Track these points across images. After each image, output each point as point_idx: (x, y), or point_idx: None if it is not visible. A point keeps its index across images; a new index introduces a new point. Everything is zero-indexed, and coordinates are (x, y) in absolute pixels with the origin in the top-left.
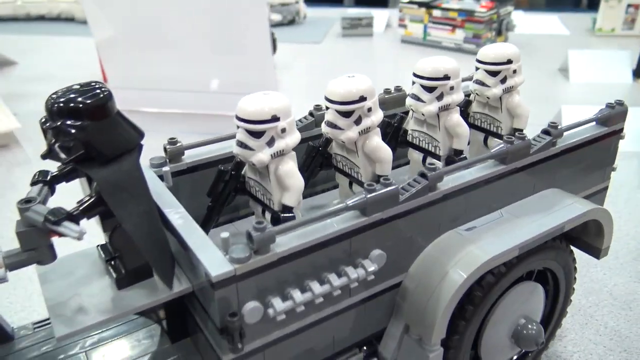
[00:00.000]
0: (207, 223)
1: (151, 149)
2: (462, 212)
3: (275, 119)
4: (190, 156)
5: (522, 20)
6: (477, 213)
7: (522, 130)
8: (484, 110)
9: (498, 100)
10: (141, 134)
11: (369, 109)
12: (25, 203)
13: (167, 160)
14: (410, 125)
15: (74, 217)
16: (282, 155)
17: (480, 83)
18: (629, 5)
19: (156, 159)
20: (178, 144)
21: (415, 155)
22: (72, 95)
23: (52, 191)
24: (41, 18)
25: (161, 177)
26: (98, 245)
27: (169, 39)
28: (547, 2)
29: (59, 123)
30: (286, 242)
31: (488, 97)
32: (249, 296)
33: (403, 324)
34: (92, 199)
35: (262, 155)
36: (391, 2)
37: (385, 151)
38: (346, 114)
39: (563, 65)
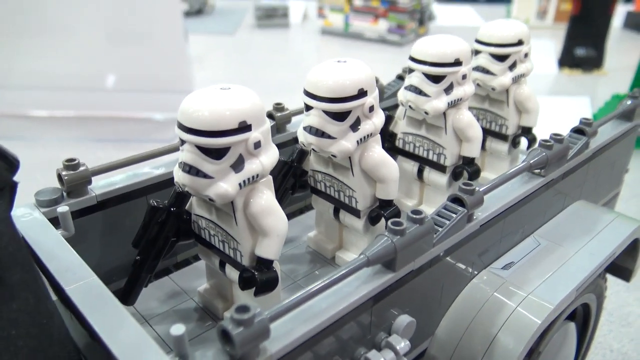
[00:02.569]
0: (134, 286)
1: (37, 176)
2: (496, 242)
3: (244, 127)
4: (102, 185)
5: (439, 12)
6: (509, 242)
7: (531, 128)
8: (483, 105)
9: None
10: (13, 165)
11: (371, 108)
12: None
13: (65, 194)
14: (400, 127)
15: None
16: (254, 183)
17: (483, 70)
18: None
19: (45, 194)
20: (81, 168)
21: (406, 166)
22: None
23: None
24: None
25: (54, 222)
26: None
27: (60, 25)
28: None
29: None
30: (282, 331)
31: (493, 88)
32: None
33: None
34: None
35: (224, 185)
36: None
37: (391, 167)
38: (340, 116)
39: None
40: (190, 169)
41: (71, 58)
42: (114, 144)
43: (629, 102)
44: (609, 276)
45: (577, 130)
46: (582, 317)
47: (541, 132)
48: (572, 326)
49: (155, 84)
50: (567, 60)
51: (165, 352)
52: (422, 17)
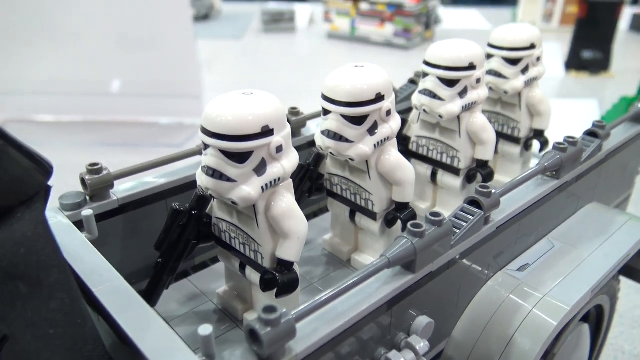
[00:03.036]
0: (155, 288)
1: (56, 178)
2: (512, 244)
3: (267, 132)
4: (123, 189)
5: (445, 15)
6: (524, 244)
7: (543, 131)
8: (495, 108)
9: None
10: (47, 171)
11: (388, 112)
12: None
13: (88, 198)
14: (414, 130)
15: None
16: (276, 187)
17: (496, 74)
18: (547, 0)
19: (69, 197)
20: (103, 173)
21: (419, 169)
22: None
23: None
24: None
25: (78, 225)
26: None
27: (69, 31)
28: None
29: None
30: (306, 332)
31: (505, 92)
32: None
33: None
34: None
35: (247, 188)
36: None
37: (408, 170)
38: (357, 120)
39: None
40: (214, 173)
41: (82, 64)
42: (124, 148)
43: (639, 106)
44: (623, 282)
45: (590, 133)
46: (596, 318)
47: (550, 135)
48: (585, 328)
49: (166, 89)
50: (574, 62)
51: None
52: (429, 21)
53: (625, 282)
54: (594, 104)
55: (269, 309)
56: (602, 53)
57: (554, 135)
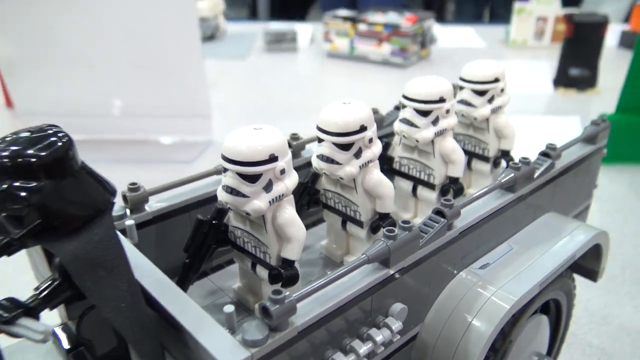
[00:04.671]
0: (183, 283)
1: None
2: (474, 247)
3: (273, 158)
4: (155, 203)
5: (440, 33)
6: (486, 247)
7: (509, 151)
8: (468, 132)
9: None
10: (113, 191)
11: (370, 140)
12: None
13: (129, 211)
14: (397, 152)
15: (33, 311)
16: (280, 201)
17: (466, 103)
18: (538, 18)
19: (115, 211)
20: (141, 190)
21: (402, 184)
22: (21, 147)
23: None
24: None
25: (123, 232)
26: (52, 330)
27: (86, 57)
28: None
29: (5, 186)
30: (304, 311)
31: (475, 118)
32: None
33: None
34: (56, 283)
35: (258, 202)
36: (310, 17)
37: (387, 187)
38: (345, 147)
39: None
40: (231, 191)
41: (95, 86)
42: (139, 165)
43: (593, 128)
44: (598, 285)
45: (544, 154)
46: (555, 312)
47: (534, 151)
48: (544, 319)
49: (176, 109)
50: (562, 80)
51: None
52: (424, 40)
53: (597, 285)
54: (576, 121)
55: (277, 292)
56: (589, 70)
57: (537, 151)
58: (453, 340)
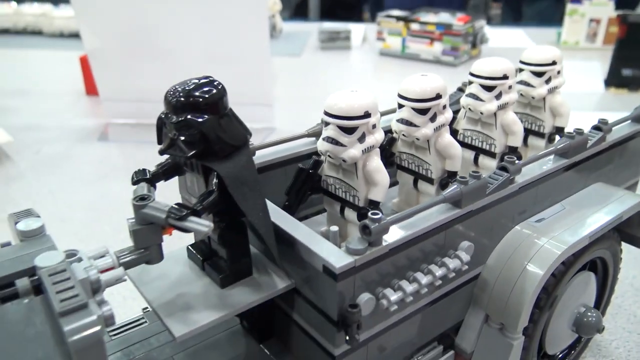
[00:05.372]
0: None
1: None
2: (531, 204)
3: (367, 115)
4: (258, 157)
5: (492, 35)
6: (542, 206)
7: (563, 128)
8: (525, 110)
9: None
10: (249, 131)
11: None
12: (140, 200)
13: None
14: (461, 125)
15: (197, 213)
16: (370, 151)
17: (525, 83)
18: (591, 20)
19: None
20: (251, 145)
21: (465, 154)
22: (194, 91)
23: (154, 189)
24: (5, 31)
25: None
26: (188, 246)
27: (165, 48)
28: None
29: (184, 117)
30: (394, 232)
31: (533, 97)
32: (362, 288)
33: (483, 314)
34: (214, 195)
35: (354, 151)
36: (367, 18)
37: (457, 148)
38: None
39: None
40: (332, 140)
41: (176, 76)
42: None
43: None
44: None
45: (595, 127)
46: (602, 272)
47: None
48: (592, 276)
49: (243, 98)
50: (614, 80)
51: None
52: (475, 40)
53: None
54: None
55: (375, 213)
56: None
57: None
58: (510, 280)
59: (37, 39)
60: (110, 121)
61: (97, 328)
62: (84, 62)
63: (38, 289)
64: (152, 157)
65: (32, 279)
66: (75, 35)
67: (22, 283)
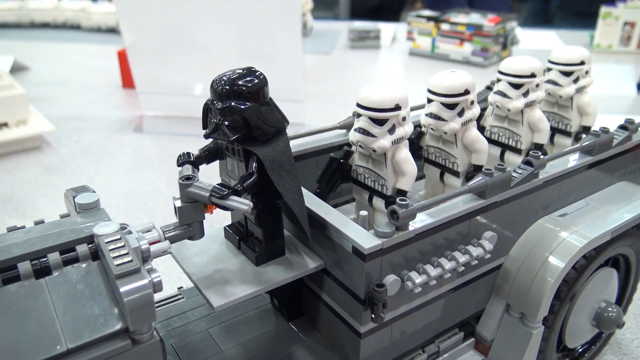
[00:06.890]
0: None
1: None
2: (555, 199)
3: (397, 107)
4: (291, 147)
5: (523, 36)
6: (566, 201)
7: (590, 127)
8: (552, 109)
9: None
10: (287, 120)
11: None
12: (186, 180)
13: None
14: (488, 121)
15: (237, 193)
16: (399, 143)
17: (553, 83)
18: (625, 23)
19: None
20: None
21: (491, 150)
22: (238, 80)
23: (197, 171)
24: (45, 25)
25: None
26: (225, 226)
27: (200, 45)
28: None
29: (229, 104)
30: (420, 219)
31: (560, 96)
32: (388, 270)
33: (504, 303)
34: (254, 177)
35: (384, 141)
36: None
37: (483, 142)
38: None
39: None
40: (363, 131)
41: (210, 72)
42: None
43: None
44: None
45: (622, 127)
46: (625, 269)
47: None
48: (614, 272)
49: (276, 94)
50: None
51: None
52: (505, 41)
53: None
54: None
55: (403, 199)
56: None
57: None
58: (532, 270)
59: (75, 33)
60: (146, 113)
61: (149, 290)
62: (122, 56)
63: (95, 254)
64: (184, 149)
65: (90, 246)
66: (112, 30)
67: (82, 249)
